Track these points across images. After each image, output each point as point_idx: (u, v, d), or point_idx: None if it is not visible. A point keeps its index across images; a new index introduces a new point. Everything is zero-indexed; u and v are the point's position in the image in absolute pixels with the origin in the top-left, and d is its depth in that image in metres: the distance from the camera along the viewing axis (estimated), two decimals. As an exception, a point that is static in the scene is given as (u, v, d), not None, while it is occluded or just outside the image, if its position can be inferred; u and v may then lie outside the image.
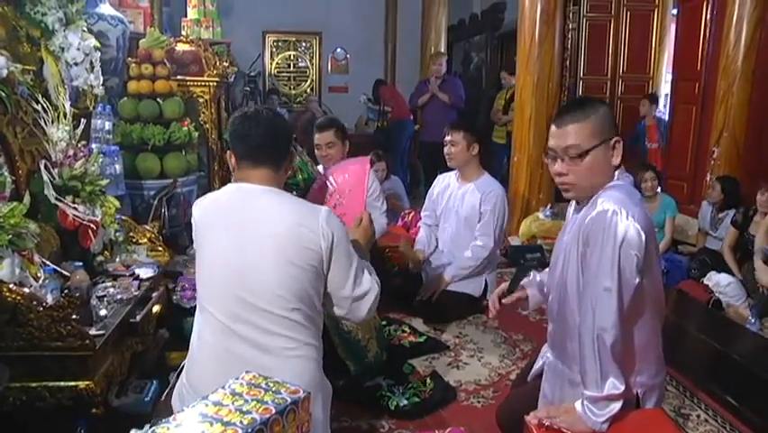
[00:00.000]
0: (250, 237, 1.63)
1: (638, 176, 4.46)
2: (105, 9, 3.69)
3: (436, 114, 6.53)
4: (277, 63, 9.75)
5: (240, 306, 1.61)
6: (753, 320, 3.31)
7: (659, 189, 4.61)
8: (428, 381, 2.72)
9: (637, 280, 1.59)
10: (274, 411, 1.06)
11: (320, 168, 3.27)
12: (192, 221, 1.80)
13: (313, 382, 1.62)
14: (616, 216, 1.58)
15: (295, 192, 2.60)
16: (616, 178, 1.72)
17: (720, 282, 3.64)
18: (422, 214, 3.91)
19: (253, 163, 1.72)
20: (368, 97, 8.26)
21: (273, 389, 1.12)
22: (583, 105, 1.74)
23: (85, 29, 2.85)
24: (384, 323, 3.22)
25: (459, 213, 3.56)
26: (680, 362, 2.79)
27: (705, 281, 3.82)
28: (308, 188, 2.62)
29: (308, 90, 9.84)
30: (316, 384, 1.64)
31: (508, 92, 6.66)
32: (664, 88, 6.50)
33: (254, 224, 1.64)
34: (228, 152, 1.79)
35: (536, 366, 2.02)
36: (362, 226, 1.98)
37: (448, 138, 3.52)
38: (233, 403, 1.08)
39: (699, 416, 2.60)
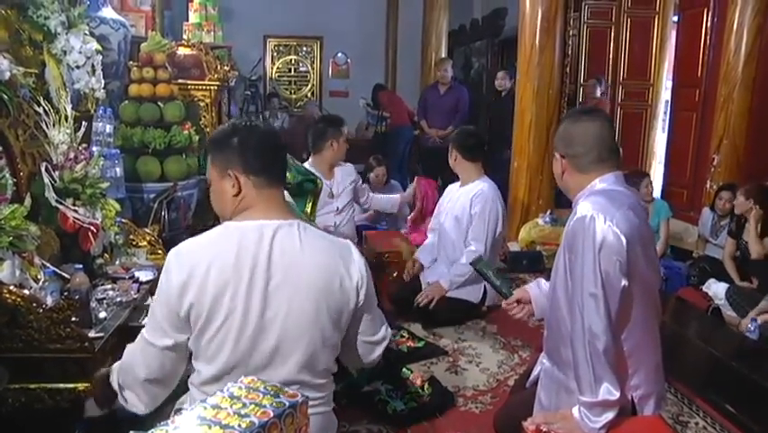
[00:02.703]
0: (275, 291, 1.42)
1: (634, 184, 4.46)
2: (107, 13, 3.70)
3: (440, 120, 6.53)
4: (278, 67, 9.79)
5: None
6: (752, 328, 3.31)
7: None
8: (426, 386, 2.72)
9: (624, 284, 1.59)
10: (272, 415, 1.07)
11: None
12: (171, 282, 1.43)
13: (326, 427, 1.57)
14: (593, 222, 1.59)
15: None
16: (596, 183, 1.73)
17: (718, 294, 3.64)
18: (429, 224, 3.93)
19: (268, 181, 1.49)
20: (367, 102, 8.29)
21: (272, 393, 1.13)
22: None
23: (87, 32, 2.87)
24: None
25: (451, 213, 3.58)
26: (678, 369, 2.79)
27: (704, 289, 3.82)
28: (302, 186, 2.62)
29: (309, 95, 9.87)
30: (329, 426, 1.61)
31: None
32: (665, 95, 6.52)
33: (279, 273, 1.42)
34: (229, 170, 1.49)
35: (534, 373, 2.02)
36: None
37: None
38: (231, 406, 1.09)
39: (697, 423, 2.60)
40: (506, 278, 2.23)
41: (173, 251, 1.49)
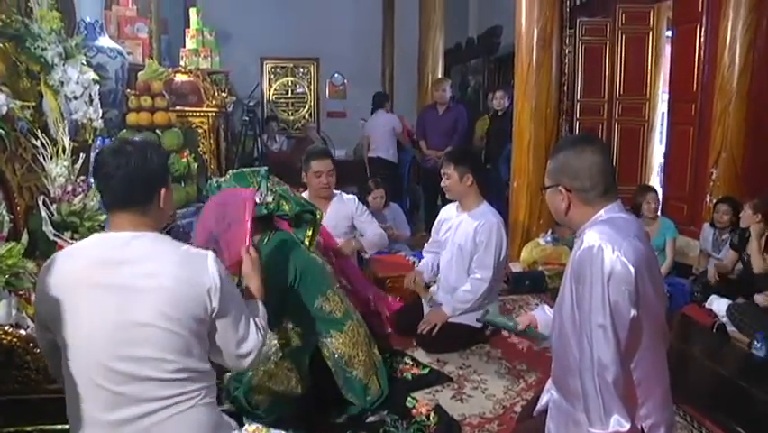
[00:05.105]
0: (128, 296, 1.46)
1: (639, 197, 4.46)
2: (104, 42, 3.72)
3: (439, 140, 6.52)
4: (275, 89, 9.82)
5: (118, 381, 1.45)
6: (758, 345, 3.28)
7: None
8: (432, 415, 2.67)
9: (633, 313, 1.57)
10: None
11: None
12: (39, 289, 1.54)
13: (211, 424, 1.55)
14: (602, 252, 1.57)
15: (286, 220, 2.61)
16: (601, 214, 1.70)
17: (721, 310, 3.61)
18: (426, 246, 3.86)
19: (117, 207, 1.56)
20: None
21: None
22: (558, 145, 1.84)
23: (84, 62, 2.87)
24: (386, 355, 3.18)
25: (454, 241, 3.52)
26: (685, 389, 2.75)
27: (707, 305, 3.79)
28: (301, 217, 2.61)
29: (307, 116, 9.89)
30: (215, 426, 1.57)
31: (490, 118, 6.67)
32: (661, 108, 6.53)
33: (131, 279, 1.47)
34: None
35: (542, 401, 1.98)
36: (252, 259, 1.88)
37: (442, 171, 3.49)
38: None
39: (707, 446, 2.56)
40: (508, 317, 2.28)
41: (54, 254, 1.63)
